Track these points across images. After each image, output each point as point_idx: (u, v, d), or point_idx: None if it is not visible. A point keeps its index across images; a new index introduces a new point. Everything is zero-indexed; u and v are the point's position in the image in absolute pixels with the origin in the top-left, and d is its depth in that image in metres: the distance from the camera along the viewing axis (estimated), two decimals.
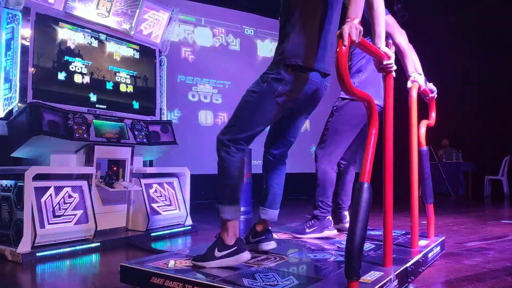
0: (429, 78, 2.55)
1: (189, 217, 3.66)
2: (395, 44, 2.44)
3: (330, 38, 1.85)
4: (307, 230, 2.50)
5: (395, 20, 2.49)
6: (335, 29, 1.86)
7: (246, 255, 1.77)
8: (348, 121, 2.51)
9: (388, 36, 2.43)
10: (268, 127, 2.08)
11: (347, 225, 2.56)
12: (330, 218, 2.57)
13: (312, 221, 2.53)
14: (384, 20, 1.85)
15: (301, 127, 2.10)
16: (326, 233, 2.50)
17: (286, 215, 4.52)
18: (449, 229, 3.59)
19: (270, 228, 2.14)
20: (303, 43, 1.79)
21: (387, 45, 1.92)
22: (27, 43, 2.87)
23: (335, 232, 2.54)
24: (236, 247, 1.76)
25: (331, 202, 2.55)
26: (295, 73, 1.78)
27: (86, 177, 2.98)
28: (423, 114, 2.51)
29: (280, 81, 1.78)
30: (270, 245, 2.06)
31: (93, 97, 3.28)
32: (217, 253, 1.75)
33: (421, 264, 2.02)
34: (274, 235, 2.17)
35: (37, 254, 2.50)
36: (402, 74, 2.45)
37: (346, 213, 2.70)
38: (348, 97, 2.48)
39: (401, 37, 2.43)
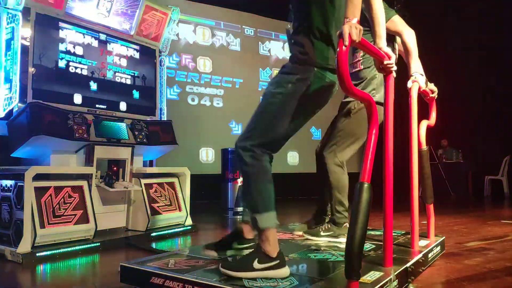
0: (428, 77, 2.55)
1: (189, 217, 3.66)
2: (403, 42, 2.41)
3: None
4: (322, 234, 2.40)
5: (402, 20, 2.46)
6: None
7: (286, 270, 1.64)
8: (365, 124, 2.42)
9: (397, 35, 2.41)
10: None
11: None
12: (347, 225, 2.47)
13: (329, 225, 2.43)
14: (384, 20, 1.85)
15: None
16: (341, 239, 2.34)
17: (287, 215, 4.52)
18: (449, 229, 3.58)
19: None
20: (324, 42, 1.71)
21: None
22: (27, 43, 2.87)
23: None
24: (278, 261, 1.63)
25: (347, 205, 2.43)
26: (321, 74, 1.69)
27: (86, 177, 2.98)
28: (423, 114, 2.51)
29: (305, 81, 1.68)
30: None
31: (93, 97, 3.28)
32: (257, 265, 1.61)
33: (421, 264, 2.02)
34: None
35: (37, 254, 2.50)
36: (402, 74, 2.46)
37: None
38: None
39: (410, 36, 2.39)
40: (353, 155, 2.46)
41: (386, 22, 2.24)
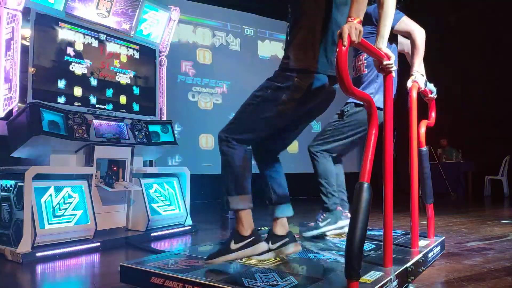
0: (428, 77, 2.55)
1: (189, 217, 3.66)
2: (412, 41, 2.39)
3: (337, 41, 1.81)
4: (321, 224, 2.43)
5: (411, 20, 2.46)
6: None
7: (263, 245, 1.72)
8: (356, 128, 2.46)
9: (407, 34, 2.40)
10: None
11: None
12: (340, 208, 2.51)
13: (324, 214, 2.46)
14: (390, 22, 1.84)
15: (302, 131, 2.01)
16: (340, 223, 2.43)
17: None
18: (449, 229, 3.59)
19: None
20: (309, 47, 1.73)
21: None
22: (27, 43, 2.87)
23: (347, 221, 2.49)
24: (253, 237, 1.70)
25: (336, 192, 2.49)
26: (301, 79, 1.71)
27: (86, 177, 2.98)
28: (423, 114, 2.51)
29: (284, 89, 1.71)
30: (296, 247, 1.88)
31: (93, 97, 3.28)
32: (234, 245, 1.70)
33: (421, 264, 2.02)
34: None
35: (37, 254, 2.50)
36: (402, 74, 2.46)
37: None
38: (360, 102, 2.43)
39: (420, 34, 2.39)
40: (339, 150, 2.50)
41: (396, 24, 2.26)
